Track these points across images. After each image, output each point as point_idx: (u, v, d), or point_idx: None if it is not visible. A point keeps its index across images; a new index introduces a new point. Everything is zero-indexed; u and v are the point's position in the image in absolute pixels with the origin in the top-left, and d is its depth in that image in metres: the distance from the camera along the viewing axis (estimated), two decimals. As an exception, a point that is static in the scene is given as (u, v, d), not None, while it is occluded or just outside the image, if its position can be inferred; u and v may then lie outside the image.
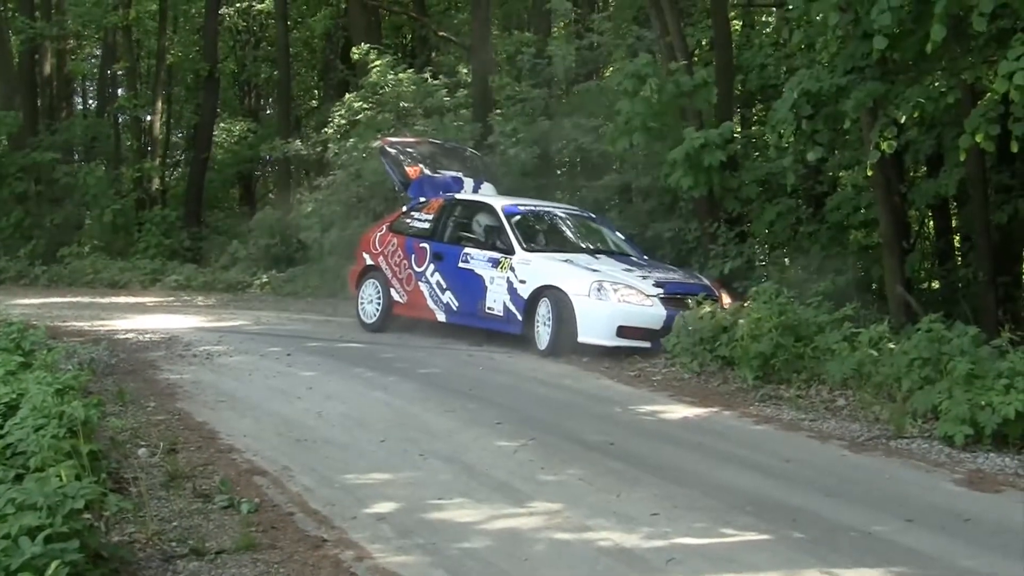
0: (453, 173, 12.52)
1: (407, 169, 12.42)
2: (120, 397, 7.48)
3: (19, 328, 7.99)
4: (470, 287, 10.80)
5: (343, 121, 17.41)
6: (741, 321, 8.70)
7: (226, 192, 29.23)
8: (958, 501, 5.60)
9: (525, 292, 10.24)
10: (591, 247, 11.26)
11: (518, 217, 11.13)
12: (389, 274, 11.72)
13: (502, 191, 13.28)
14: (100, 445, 5.63)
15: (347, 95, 18.09)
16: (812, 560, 4.61)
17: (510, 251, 10.62)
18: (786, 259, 12.97)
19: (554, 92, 17.21)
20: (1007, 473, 6.13)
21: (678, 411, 7.77)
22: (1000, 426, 6.47)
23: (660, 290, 9.98)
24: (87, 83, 29.84)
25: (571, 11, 18.58)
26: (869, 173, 9.99)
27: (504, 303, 10.44)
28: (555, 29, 19.47)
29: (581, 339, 9.72)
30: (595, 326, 9.70)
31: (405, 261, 11.57)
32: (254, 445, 6.44)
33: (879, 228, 10.80)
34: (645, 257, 11.45)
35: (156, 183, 23.46)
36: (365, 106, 17.07)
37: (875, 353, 7.83)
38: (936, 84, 9.08)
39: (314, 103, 28.14)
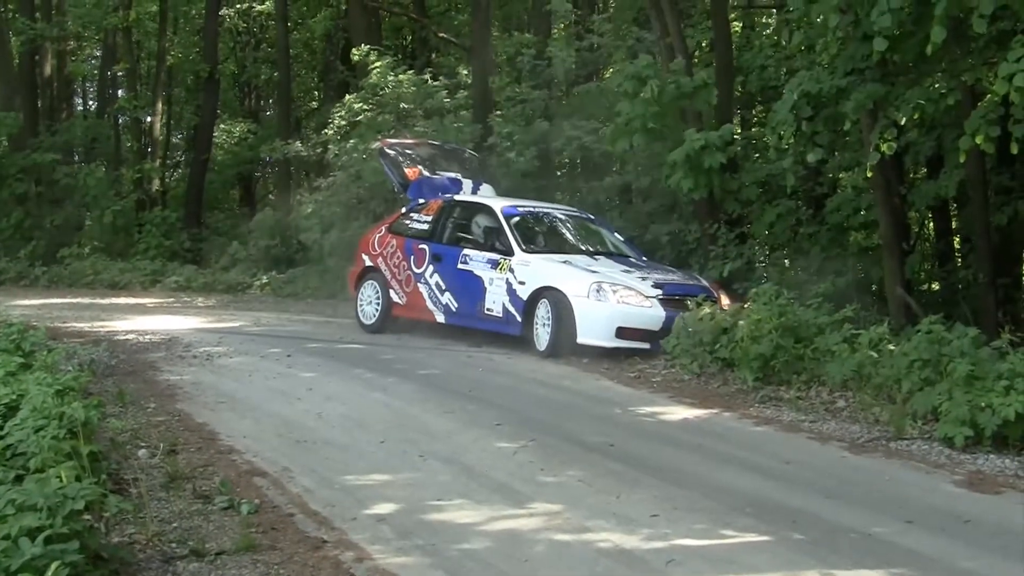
0: (452, 174, 12.53)
1: (406, 170, 12.43)
2: (120, 398, 7.48)
3: (19, 329, 8.00)
4: (469, 288, 10.81)
5: (343, 122, 17.41)
6: (741, 322, 8.71)
7: (226, 193, 29.23)
8: (958, 502, 5.60)
9: (524, 293, 10.24)
10: (590, 248, 11.27)
11: (517, 218, 11.14)
12: (388, 275, 11.72)
13: (501, 192, 13.29)
14: (100, 446, 5.64)
15: (347, 96, 18.09)
16: (812, 561, 4.61)
17: (509, 252, 10.63)
18: (786, 260, 12.97)
19: (554, 93, 17.21)
20: (1007, 474, 6.13)
21: (678, 412, 7.77)
22: (1000, 427, 6.47)
23: (659, 291, 9.99)
24: (87, 84, 29.86)
25: (571, 12, 18.59)
26: (869, 175, 9.98)
27: (503, 304, 10.44)
28: (555, 30, 19.48)
29: (580, 340, 9.73)
30: (594, 327, 9.70)
31: (404, 262, 11.58)
32: (254, 446, 6.44)
33: (879, 230, 10.80)
34: (644, 258, 11.45)
35: (156, 184, 23.47)
36: (365, 107, 17.07)
37: (875, 355, 7.83)
38: (936, 86, 9.08)
39: (314, 104, 28.14)
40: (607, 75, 18.37)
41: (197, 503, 5.28)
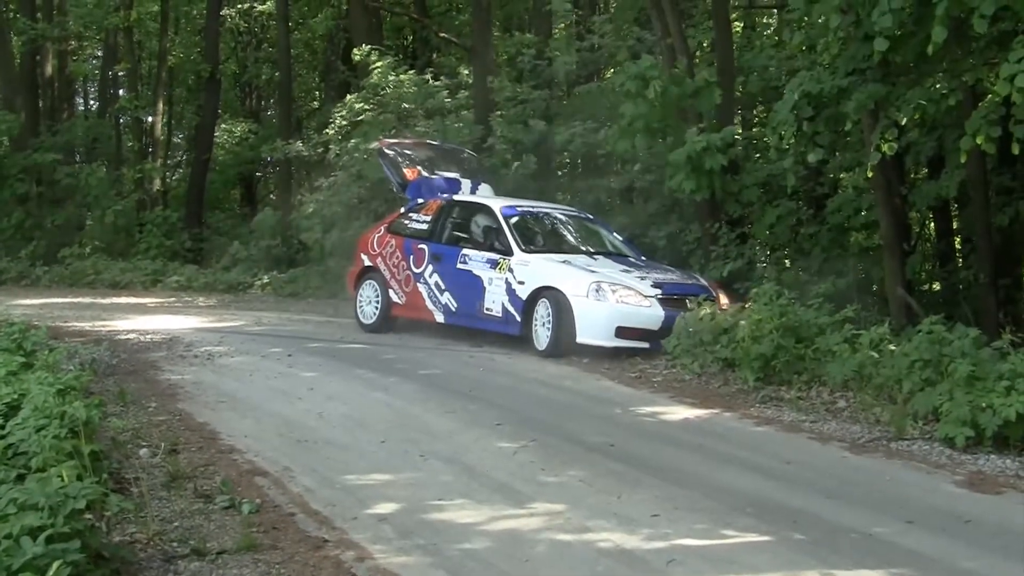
0: (451, 174, 12.53)
1: (405, 171, 12.43)
2: (121, 398, 7.48)
3: (20, 329, 8.01)
4: (469, 288, 10.82)
5: (344, 122, 17.42)
6: (742, 322, 8.70)
7: (227, 193, 29.24)
8: (959, 503, 5.60)
9: (524, 293, 10.26)
10: (589, 248, 11.28)
11: (516, 218, 11.15)
12: (388, 275, 11.73)
13: (502, 192, 13.29)
14: (101, 445, 5.65)
15: (348, 96, 18.09)
16: (813, 562, 4.61)
17: (508, 252, 10.64)
18: (787, 261, 12.97)
19: (555, 94, 17.21)
20: (1008, 475, 6.13)
21: (679, 412, 7.77)
22: (1001, 428, 6.47)
23: (658, 291, 10.00)
24: (88, 84, 29.85)
25: (572, 12, 18.58)
26: (870, 175, 9.98)
27: (503, 304, 10.45)
28: (556, 30, 19.47)
29: (580, 340, 9.74)
30: (594, 327, 9.72)
31: (403, 262, 11.59)
32: (255, 446, 6.45)
33: (880, 230, 10.80)
34: (643, 258, 11.46)
35: (157, 184, 23.46)
36: (366, 107, 17.08)
37: (876, 355, 7.83)
38: (937, 86, 9.08)
39: (315, 104, 28.14)
40: (608, 75, 18.38)
41: (198, 502, 5.29)
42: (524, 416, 7.47)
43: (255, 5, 25.50)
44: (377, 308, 11.80)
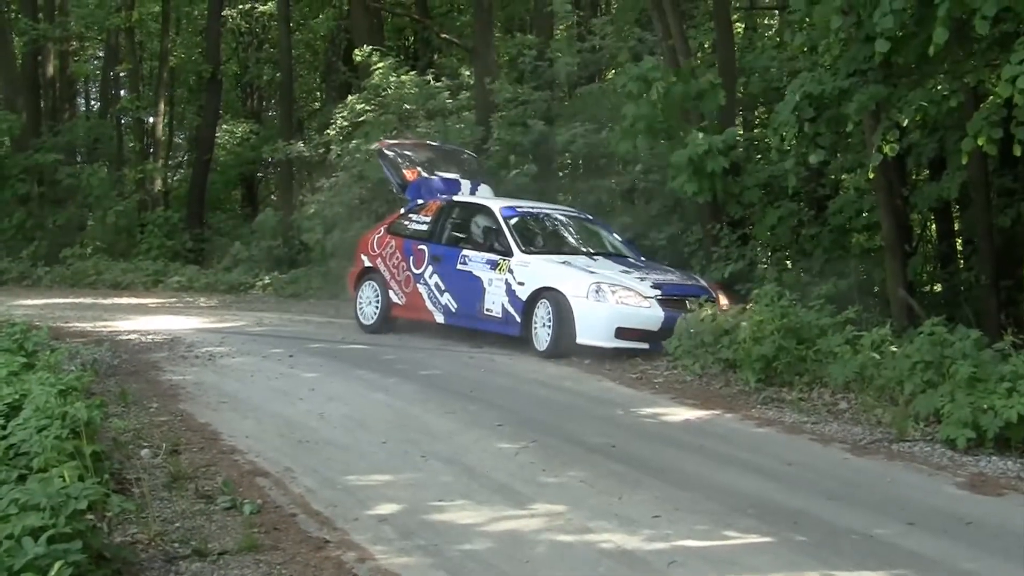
0: (450, 175, 12.53)
1: (405, 171, 12.44)
2: (123, 398, 7.49)
3: (22, 329, 8.01)
4: (469, 289, 10.82)
5: (345, 123, 17.43)
6: (744, 324, 8.70)
7: (228, 194, 29.25)
8: (960, 504, 5.59)
9: (523, 294, 10.27)
10: (589, 249, 11.29)
11: (516, 219, 11.16)
12: (387, 276, 11.74)
13: (502, 194, 13.29)
14: (103, 446, 5.65)
15: (349, 97, 18.10)
16: (814, 563, 4.61)
17: (508, 253, 10.65)
18: (788, 262, 12.97)
19: (556, 95, 17.21)
20: (1009, 477, 6.13)
21: (680, 413, 7.77)
22: (1002, 429, 6.47)
23: (658, 292, 10.01)
24: (90, 85, 29.87)
25: (573, 13, 18.58)
26: (871, 176, 9.98)
27: (503, 305, 10.46)
28: (557, 31, 19.48)
29: (580, 341, 9.75)
30: (593, 328, 9.73)
31: (403, 263, 11.59)
32: (256, 446, 6.45)
33: (881, 231, 10.80)
34: (643, 258, 11.46)
35: (158, 185, 23.47)
36: (367, 108, 17.09)
37: (877, 356, 7.83)
38: (939, 87, 9.07)
39: (316, 105, 28.16)
40: (609, 76, 18.38)
41: (199, 503, 5.29)
42: (525, 417, 7.47)
43: (256, 6, 25.52)
44: (377, 309, 11.81)
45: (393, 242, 11.85)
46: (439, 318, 11.20)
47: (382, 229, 12.26)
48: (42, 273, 19.50)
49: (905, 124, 9.23)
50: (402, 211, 12.28)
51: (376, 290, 11.84)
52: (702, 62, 14.80)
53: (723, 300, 10.24)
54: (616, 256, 11.19)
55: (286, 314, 14.50)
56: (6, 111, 21.13)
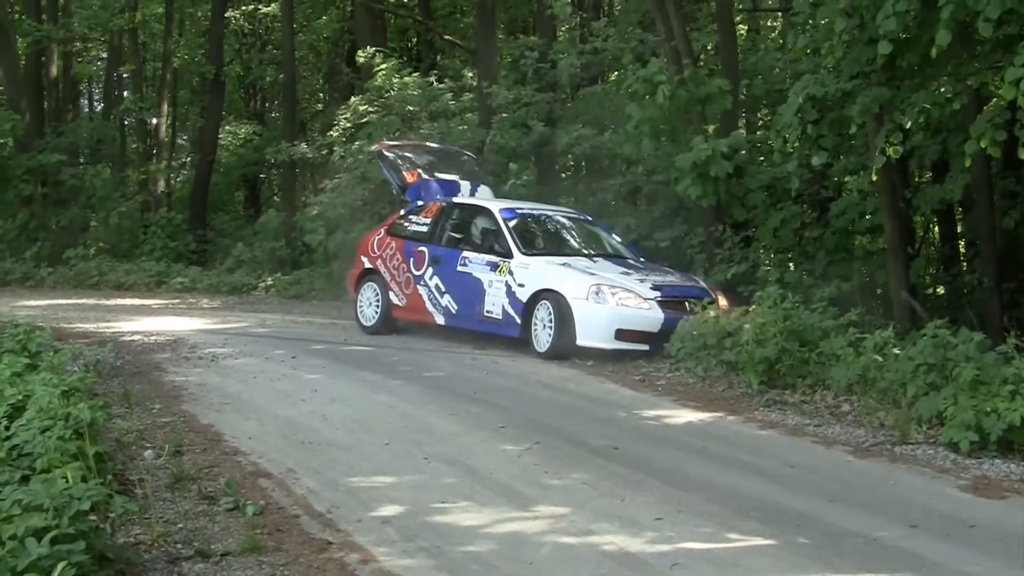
0: (450, 177, 12.53)
1: (404, 173, 12.45)
2: (126, 399, 7.50)
3: (25, 330, 8.03)
4: (469, 290, 10.84)
5: (348, 124, 17.44)
6: (747, 326, 8.69)
7: (231, 195, 29.27)
8: (963, 507, 5.59)
9: (524, 295, 10.28)
10: (588, 250, 11.29)
11: (515, 221, 11.17)
12: (388, 277, 11.75)
13: (503, 195, 13.29)
14: (106, 447, 5.66)
15: (352, 98, 18.11)
16: (817, 565, 4.61)
17: (508, 255, 10.66)
18: (791, 264, 12.97)
19: (558, 96, 17.22)
20: (1012, 479, 6.12)
21: (682, 415, 7.77)
22: (1005, 432, 6.46)
23: (657, 293, 10.02)
24: (93, 86, 29.91)
25: (576, 15, 18.58)
26: (874, 179, 9.97)
27: (503, 306, 10.47)
28: (560, 33, 19.48)
29: (580, 342, 9.77)
30: (593, 329, 9.74)
31: (403, 264, 11.60)
32: (259, 447, 6.46)
33: (884, 234, 10.80)
34: (642, 259, 11.46)
35: (161, 186, 23.48)
36: (370, 109, 17.10)
37: (880, 359, 7.82)
38: (942, 90, 9.07)
39: (319, 106, 28.19)
40: (611, 78, 18.37)
41: (202, 504, 5.29)
42: (528, 419, 7.47)
43: (259, 7, 25.53)
44: (378, 310, 11.82)
45: (393, 243, 11.86)
46: (439, 319, 11.21)
47: (382, 231, 12.27)
48: (45, 274, 19.51)
49: (908, 126, 9.23)
50: (402, 212, 12.28)
51: (376, 292, 11.85)
52: (705, 64, 14.79)
53: (723, 301, 10.26)
54: (616, 257, 11.19)
55: (289, 315, 14.51)
56: (10, 112, 21.14)
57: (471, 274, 10.88)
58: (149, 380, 8.56)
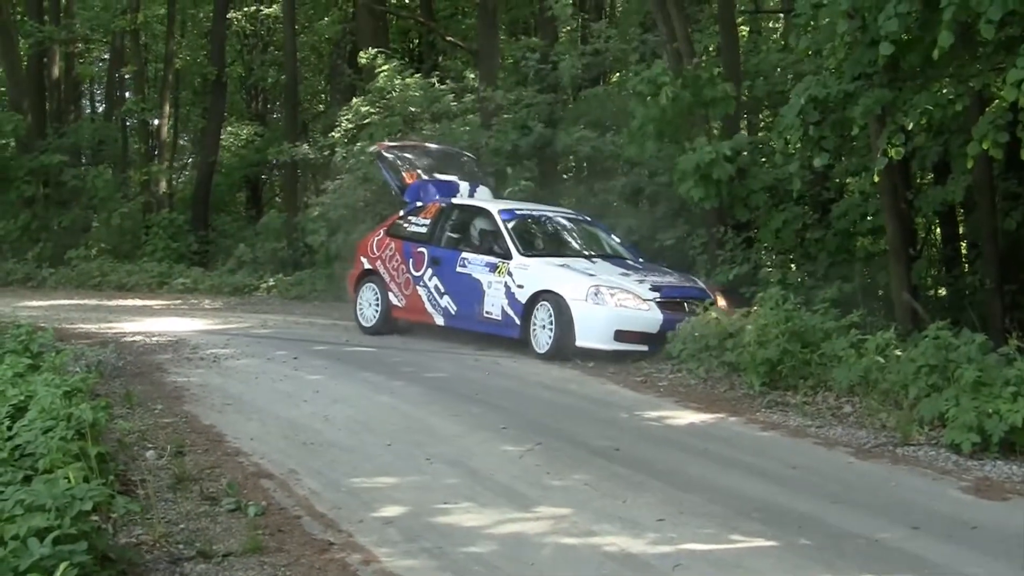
0: (449, 177, 12.53)
1: (404, 174, 12.45)
2: (128, 400, 7.50)
3: (27, 330, 8.04)
4: (468, 292, 10.85)
5: (350, 125, 17.44)
6: (749, 327, 8.69)
7: (233, 196, 29.27)
8: (965, 509, 5.59)
9: (523, 297, 10.30)
10: (587, 251, 11.30)
11: (514, 222, 11.18)
12: (387, 278, 11.76)
13: (504, 196, 13.30)
14: (108, 447, 5.67)
15: (354, 99, 18.12)
16: (818, 567, 4.61)
17: (507, 256, 10.67)
18: (792, 265, 12.96)
19: (559, 97, 17.22)
20: (1014, 481, 6.12)
21: (684, 417, 7.77)
22: (1007, 434, 6.46)
23: (656, 294, 10.04)
24: (95, 87, 29.92)
25: (577, 16, 18.59)
26: (876, 180, 9.97)
27: (502, 307, 10.49)
28: (562, 34, 19.49)
29: (579, 343, 9.79)
30: (593, 330, 9.76)
31: (403, 265, 11.61)
32: (261, 448, 6.46)
33: (886, 235, 10.79)
34: (641, 260, 11.46)
35: (163, 186, 23.50)
36: (372, 111, 17.10)
37: (882, 360, 7.82)
38: (944, 91, 9.07)
39: (321, 107, 28.19)
40: (613, 79, 18.38)
41: (204, 505, 5.30)
42: (529, 419, 7.48)
43: (261, 8, 25.55)
44: (377, 311, 11.83)
45: (392, 244, 11.87)
46: (439, 320, 11.22)
47: (381, 231, 12.27)
48: (47, 274, 19.52)
49: (910, 128, 9.23)
50: (401, 213, 12.28)
51: (376, 292, 11.86)
52: (708, 66, 14.81)
53: (721, 302, 10.28)
54: (615, 258, 11.20)
55: (290, 316, 14.52)
56: (11, 112, 21.17)
57: (470, 275, 10.89)
58: (151, 381, 8.57)
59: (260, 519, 5.09)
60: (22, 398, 5.78)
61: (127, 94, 26.59)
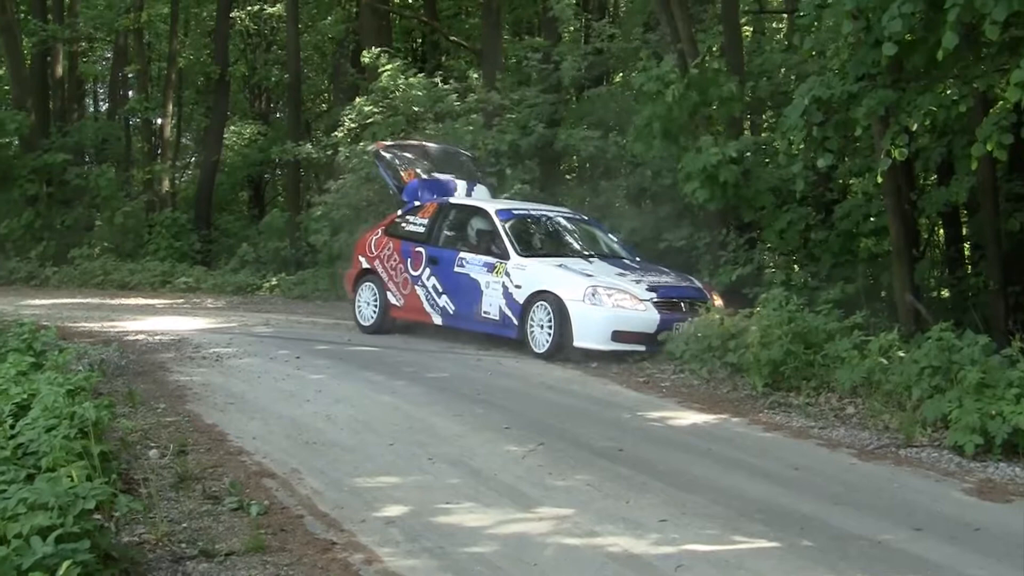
0: (447, 176, 12.53)
1: (402, 173, 12.44)
2: (130, 398, 7.49)
3: (30, 329, 8.03)
4: (466, 292, 10.86)
5: (353, 125, 17.44)
6: (753, 328, 8.68)
7: (236, 195, 29.29)
8: (968, 511, 5.58)
9: (520, 297, 10.31)
10: (585, 250, 11.30)
11: (512, 221, 11.19)
12: (385, 277, 11.76)
13: (507, 196, 13.30)
14: (111, 446, 5.66)
15: (357, 99, 18.12)
16: (821, 568, 4.61)
17: (504, 256, 10.68)
18: (795, 266, 12.95)
19: (562, 97, 17.22)
20: (1017, 483, 6.11)
21: (687, 417, 7.76)
22: (1011, 436, 6.45)
23: (653, 294, 10.04)
24: (98, 85, 29.94)
25: (581, 16, 18.57)
26: (880, 180, 9.96)
27: (500, 307, 10.50)
28: (565, 34, 19.49)
29: (577, 344, 9.81)
30: (590, 331, 9.77)
31: (401, 265, 11.62)
32: (263, 447, 6.46)
33: (889, 236, 10.78)
34: (638, 259, 11.46)
35: (166, 185, 23.52)
36: (375, 110, 17.10)
37: (885, 361, 7.81)
38: (948, 92, 9.06)
39: (324, 107, 28.19)
40: (617, 79, 18.37)
41: (207, 504, 5.30)
42: (532, 420, 7.47)
43: (265, 7, 25.56)
44: (376, 310, 11.83)
45: (391, 244, 11.87)
46: (437, 320, 11.23)
47: (380, 231, 12.27)
48: (50, 273, 19.56)
49: (914, 128, 9.22)
50: (399, 213, 12.28)
51: (374, 292, 11.86)
52: (709, 65, 14.80)
53: (717, 300, 10.32)
54: (612, 257, 11.20)
55: (293, 315, 14.52)
56: (15, 111, 21.19)
57: (468, 275, 10.90)
58: (153, 379, 8.58)
59: (262, 518, 5.09)
60: (25, 396, 5.78)
61: (130, 93, 26.62)
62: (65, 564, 3.62)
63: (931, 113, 8.83)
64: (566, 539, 4.90)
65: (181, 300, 16.92)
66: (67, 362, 7.38)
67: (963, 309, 10.96)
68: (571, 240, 11.67)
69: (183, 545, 4.70)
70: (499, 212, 11.26)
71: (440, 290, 11.17)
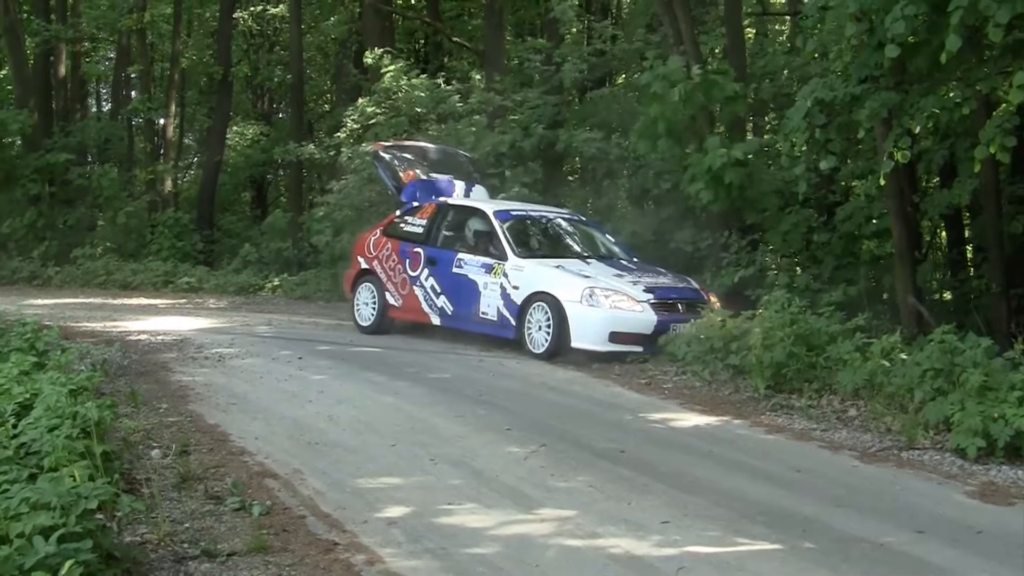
0: (445, 177, 12.53)
1: (400, 174, 12.45)
2: (133, 398, 7.50)
3: (33, 328, 8.04)
4: (464, 292, 10.87)
5: (356, 125, 17.45)
6: (755, 330, 8.68)
7: (238, 195, 29.30)
8: (970, 513, 5.58)
9: (518, 298, 10.34)
10: (582, 251, 11.31)
11: (510, 222, 11.21)
12: (384, 278, 11.77)
13: (507, 197, 13.29)
14: (113, 446, 5.66)
15: (360, 100, 18.14)
16: (823, 571, 4.61)
17: (502, 257, 10.70)
18: (798, 268, 12.95)
19: (564, 99, 17.22)
20: (1020, 486, 6.11)
21: (689, 419, 7.76)
22: (1013, 438, 6.45)
23: (650, 295, 10.06)
24: (101, 86, 29.96)
25: (584, 17, 18.58)
26: (882, 183, 9.95)
27: (498, 308, 10.52)
28: (568, 35, 19.49)
29: (574, 344, 9.84)
30: (588, 332, 9.79)
31: (399, 265, 11.63)
32: (265, 448, 6.47)
33: (891, 238, 10.77)
34: (635, 260, 11.47)
35: (169, 186, 23.53)
36: (378, 111, 17.11)
37: (887, 363, 7.81)
38: (951, 94, 9.06)
39: (327, 107, 28.20)
40: (619, 80, 18.37)
41: (209, 504, 5.30)
42: (534, 421, 7.47)
43: (268, 8, 25.58)
44: (374, 311, 11.85)
45: (389, 244, 11.87)
46: (435, 320, 11.24)
47: (378, 231, 12.28)
48: (52, 273, 19.57)
49: (916, 131, 9.21)
50: (398, 213, 12.28)
51: (373, 292, 11.88)
52: (717, 66, 14.81)
53: (715, 302, 10.36)
54: (609, 258, 11.22)
55: (295, 316, 14.53)
56: (18, 111, 21.22)
57: (466, 276, 10.92)
58: (156, 380, 8.58)
59: (264, 519, 5.09)
60: (28, 396, 5.78)
61: (133, 93, 26.65)
62: (67, 564, 3.63)
63: (934, 115, 8.81)
64: (568, 540, 4.90)
65: (183, 300, 16.93)
66: (69, 362, 7.39)
67: (965, 312, 10.95)
68: (569, 241, 11.69)
69: (185, 545, 4.71)
70: (497, 213, 11.28)
71: (438, 290, 11.18)
